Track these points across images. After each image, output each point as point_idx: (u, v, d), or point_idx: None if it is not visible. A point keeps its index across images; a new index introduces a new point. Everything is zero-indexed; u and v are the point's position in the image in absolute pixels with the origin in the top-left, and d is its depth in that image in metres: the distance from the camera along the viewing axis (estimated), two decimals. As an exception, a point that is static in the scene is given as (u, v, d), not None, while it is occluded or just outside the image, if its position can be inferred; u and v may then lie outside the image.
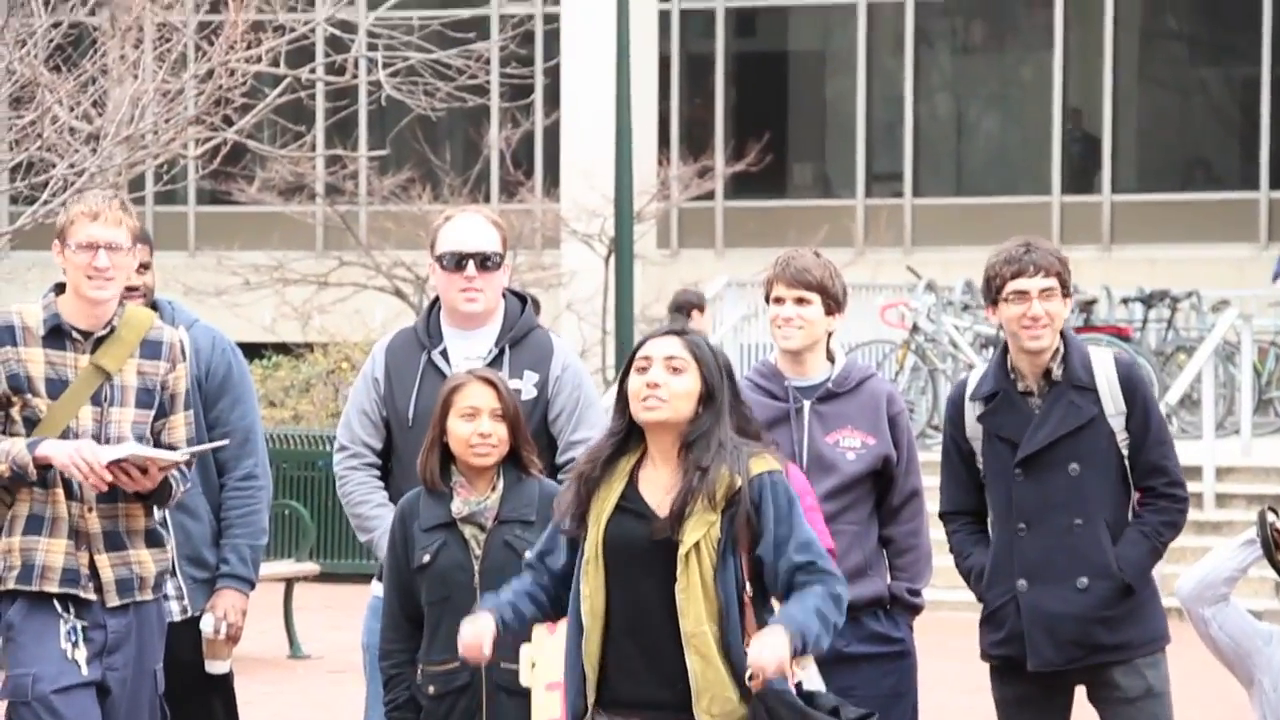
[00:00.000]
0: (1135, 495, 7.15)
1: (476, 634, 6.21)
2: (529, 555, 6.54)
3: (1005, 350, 7.55)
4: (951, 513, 7.76)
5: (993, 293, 7.44)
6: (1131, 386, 7.61)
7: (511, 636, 6.44)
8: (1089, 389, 7.48)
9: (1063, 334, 7.53)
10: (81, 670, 7.24)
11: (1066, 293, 7.49)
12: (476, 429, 6.95)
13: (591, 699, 6.09)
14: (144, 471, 7.24)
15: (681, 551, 5.96)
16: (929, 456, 16.19)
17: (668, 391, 6.06)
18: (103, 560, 7.41)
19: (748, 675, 5.87)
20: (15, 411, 7.41)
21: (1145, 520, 7.44)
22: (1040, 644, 7.33)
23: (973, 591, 7.64)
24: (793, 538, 6.02)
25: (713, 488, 5.97)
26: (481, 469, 7.01)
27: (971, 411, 7.56)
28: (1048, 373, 7.43)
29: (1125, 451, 7.41)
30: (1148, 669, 7.57)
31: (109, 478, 7.16)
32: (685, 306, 18.14)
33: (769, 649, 5.75)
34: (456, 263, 7.69)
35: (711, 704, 5.93)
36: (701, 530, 5.99)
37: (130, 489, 7.30)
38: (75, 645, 7.31)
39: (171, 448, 7.40)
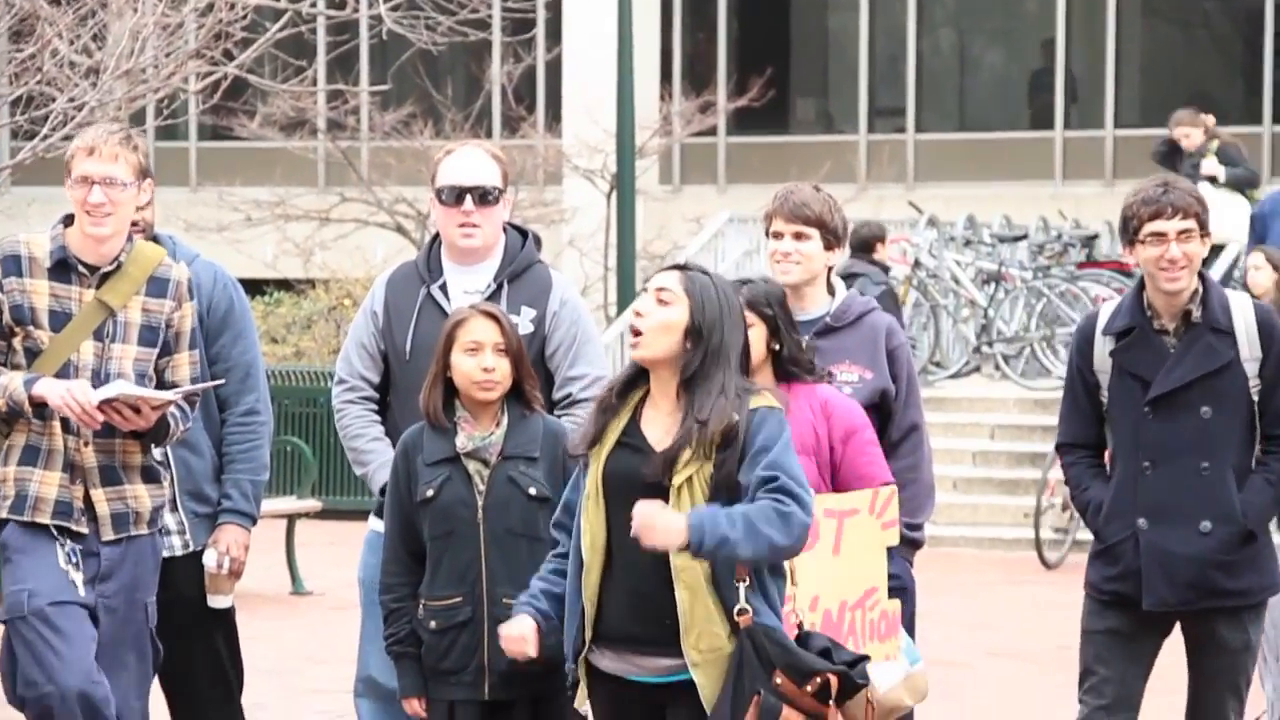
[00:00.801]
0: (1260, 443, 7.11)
1: (520, 633, 6.28)
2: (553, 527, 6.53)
3: (1141, 286, 7.54)
4: (1070, 444, 7.76)
5: (1130, 233, 7.43)
6: (1268, 332, 7.60)
7: (555, 625, 6.43)
8: (1227, 332, 7.47)
9: (1201, 275, 7.52)
10: (79, 590, 7.26)
11: (1205, 233, 7.46)
12: (480, 364, 6.91)
13: (589, 635, 6.09)
14: (136, 411, 7.21)
15: (675, 484, 5.94)
16: (931, 393, 16.17)
17: (645, 323, 6.10)
18: (98, 494, 7.43)
19: (724, 598, 5.95)
20: (17, 342, 7.40)
21: (1271, 468, 7.41)
22: (1157, 583, 7.29)
23: (1088, 526, 7.67)
24: (767, 456, 6.01)
25: (709, 437, 5.98)
26: (485, 404, 6.97)
27: (1103, 345, 7.53)
28: (1186, 314, 7.41)
29: (1255, 397, 7.41)
30: (1250, 622, 7.58)
31: (101, 418, 7.15)
32: (869, 241, 17.74)
33: (656, 522, 5.80)
34: (456, 197, 7.64)
35: (699, 639, 5.94)
36: (694, 467, 5.99)
37: (124, 428, 7.30)
38: (75, 566, 7.35)
39: (175, 386, 7.39)
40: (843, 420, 7.18)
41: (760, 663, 6.04)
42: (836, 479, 7.08)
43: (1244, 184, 19.96)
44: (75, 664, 7.34)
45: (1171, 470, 7.27)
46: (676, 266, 6.43)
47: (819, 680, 6.00)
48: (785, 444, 6.15)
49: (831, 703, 6.00)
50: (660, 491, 6.03)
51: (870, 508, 6.87)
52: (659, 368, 6.19)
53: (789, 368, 6.99)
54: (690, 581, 5.94)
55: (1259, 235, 16.10)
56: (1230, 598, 7.40)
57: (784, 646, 6.10)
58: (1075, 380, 7.68)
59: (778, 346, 6.89)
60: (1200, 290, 7.28)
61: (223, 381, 8.17)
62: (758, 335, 6.69)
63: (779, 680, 6.01)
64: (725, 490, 6.10)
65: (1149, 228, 7.08)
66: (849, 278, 13.58)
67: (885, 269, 18.44)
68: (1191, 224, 7.10)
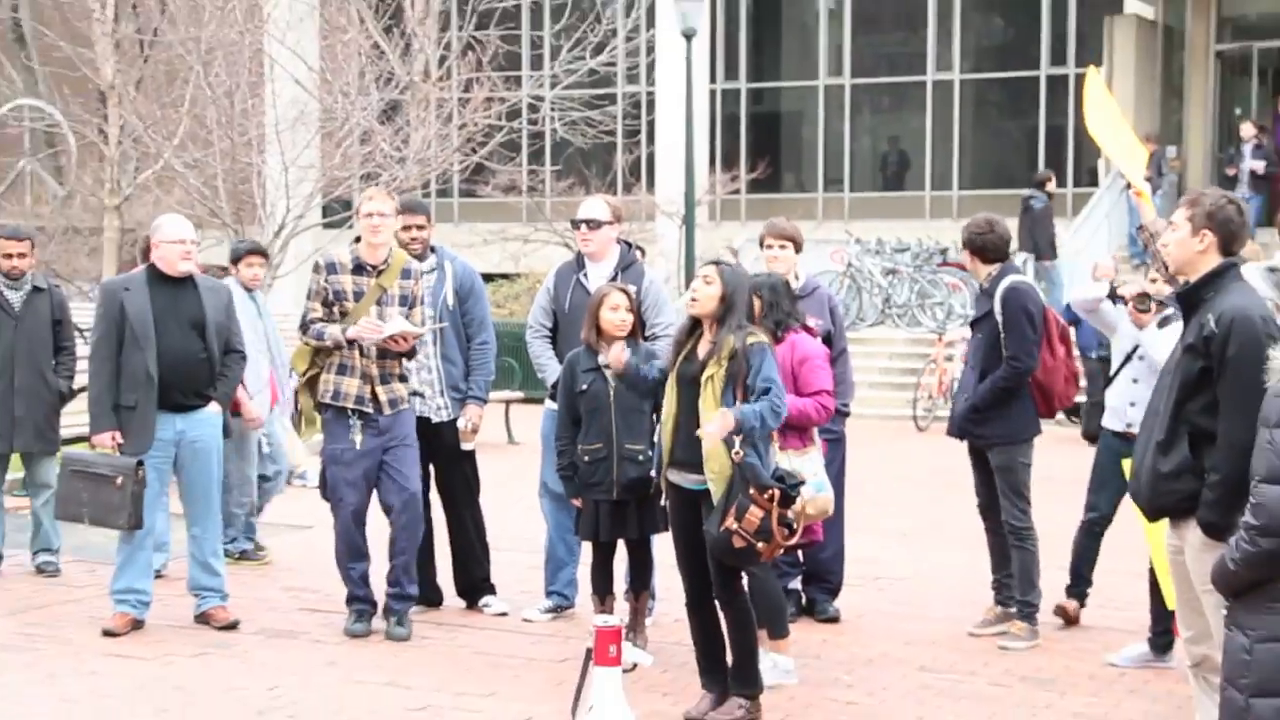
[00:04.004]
0: None
1: (618, 356, 7.71)
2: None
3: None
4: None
5: (965, 246, 9.01)
6: (1004, 302, 8.90)
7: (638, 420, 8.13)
8: (991, 296, 8.99)
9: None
10: (357, 445, 8.90)
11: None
12: (618, 315, 8.24)
13: (666, 462, 7.40)
14: (404, 339, 8.78)
15: (703, 378, 7.16)
16: (855, 334, 20.18)
17: (700, 294, 7.23)
18: (380, 390, 8.91)
19: (729, 445, 7.05)
20: (335, 310, 8.90)
21: (995, 375, 8.94)
22: (951, 428, 9.34)
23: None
24: (761, 374, 7.06)
25: (724, 349, 7.06)
26: (617, 338, 8.17)
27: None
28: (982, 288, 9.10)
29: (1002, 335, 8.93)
30: (1001, 453, 9.04)
31: (381, 342, 8.77)
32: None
33: (715, 420, 6.99)
34: (577, 224, 9.39)
35: (713, 463, 7.14)
36: (716, 369, 7.10)
37: (394, 350, 8.82)
38: (358, 433, 8.95)
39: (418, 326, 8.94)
40: (800, 351, 8.34)
41: (743, 480, 7.10)
42: (797, 383, 8.20)
43: None
44: (354, 483, 8.97)
45: (967, 372, 9.39)
46: (714, 262, 7.43)
47: (770, 492, 7.13)
48: (772, 365, 7.14)
49: (775, 505, 7.12)
50: (698, 382, 7.22)
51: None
52: (706, 318, 7.26)
53: (781, 323, 8.20)
54: (716, 440, 7.04)
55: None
56: (979, 439, 9.13)
57: (755, 472, 7.10)
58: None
59: (770, 311, 8.06)
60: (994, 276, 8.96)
61: (445, 324, 9.41)
62: (757, 305, 7.63)
63: (751, 491, 7.07)
64: (730, 382, 7.14)
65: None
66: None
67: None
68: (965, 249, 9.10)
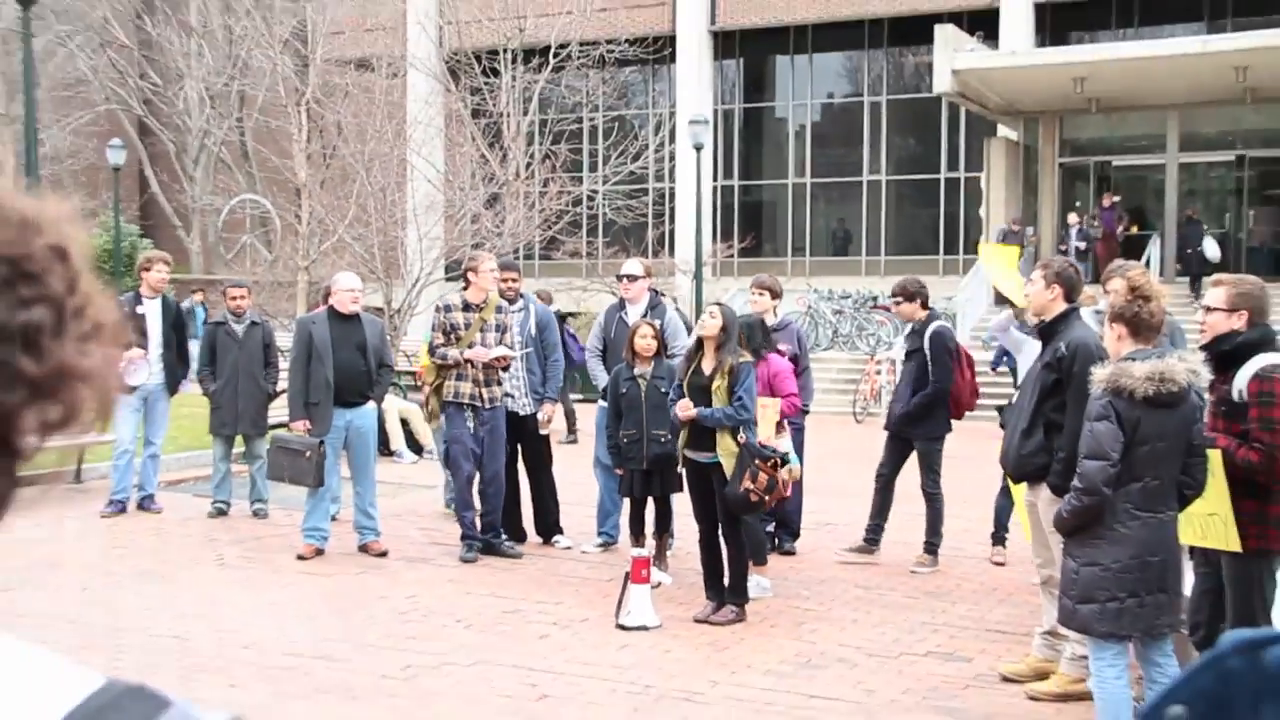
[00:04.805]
0: None
1: (684, 412, 7.33)
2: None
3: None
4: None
5: (893, 296, 8.80)
6: (931, 339, 8.75)
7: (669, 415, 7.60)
8: (920, 334, 8.81)
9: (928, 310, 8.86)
10: (470, 430, 8.89)
11: (920, 301, 8.69)
12: (647, 341, 8.32)
13: (683, 442, 7.42)
14: (501, 359, 8.86)
15: (713, 388, 7.22)
16: (814, 355, 18.99)
17: (707, 324, 7.30)
18: (483, 391, 8.95)
19: (734, 434, 7.05)
20: (452, 337, 8.93)
21: (925, 390, 8.75)
22: (889, 422, 8.98)
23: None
24: (742, 385, 7.14)
25: (724, 367, 7.13)
26: (647, 357, 8.33)
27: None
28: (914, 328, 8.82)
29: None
30: (925, 445, 8.89)
31: (488, 362, 8.83)
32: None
33: (682, 406, 7.15)
34: (620, 277, 9.49)
35: (722, 447, 7.17)
36: (720, 382, 7.16)
37: (497, 366, 8.93)
38: (470, 421, 8.95)
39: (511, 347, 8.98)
40: (773, 368, 8.20)
41: (750, 455, 7.13)
42: (772, 389, 8.08)
43: None
44: (468, 456, 8.94)
45: (901, 387, 9.02)
46: (717, 303, 7.55)
47: (773, 460, 7.18)
48: (751, 380, 7.17)
49: (776, 470, 7.17)
50: (708, 391, 7.21)
51: (771, 404, 7.81)
52: (709, 341, 7.28)
53: (757, 349, 7.90)
54: (721, 430, 7.18)
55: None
56: (910, 434, 8.93)
57: (754, 450, 7.17)
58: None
59: (748, 341, 7.70)
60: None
61: (530, 349, 9.34)
62: (741, 337, 7.48)
63: (756, 462, 7.13)
64: (731, 391, 7.13)
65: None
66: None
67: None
68: (899, 298, 8.77)
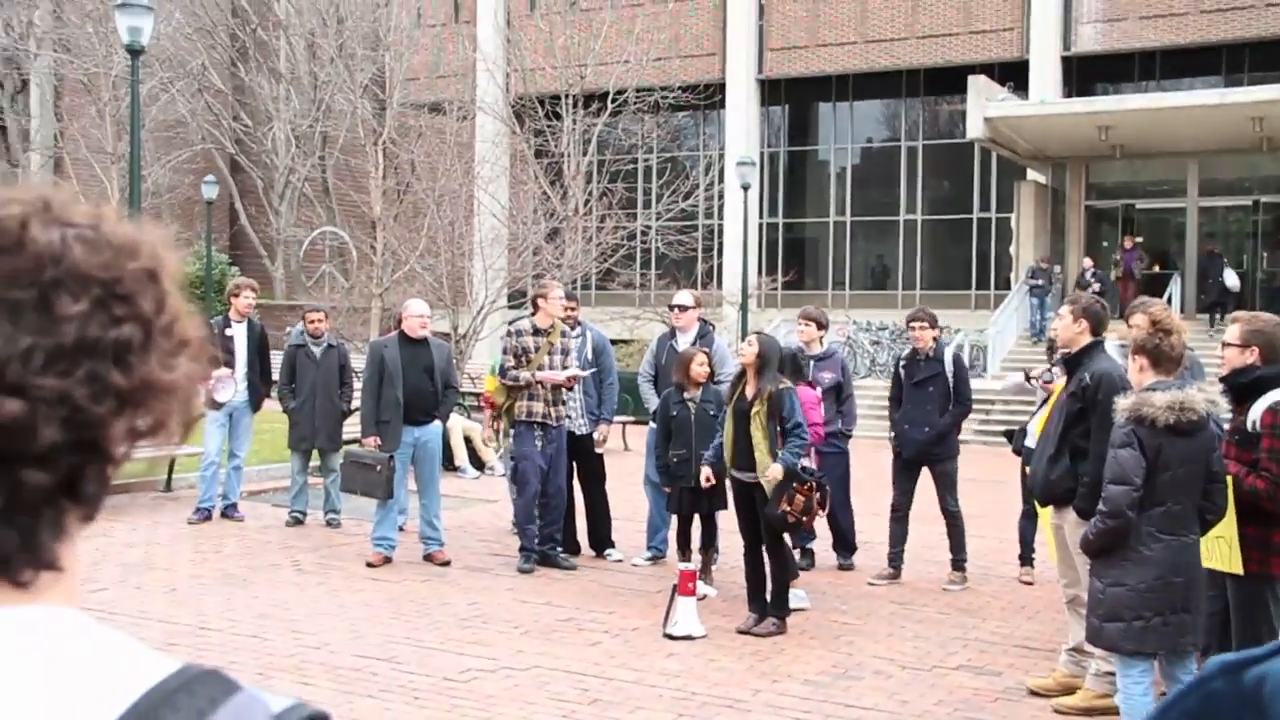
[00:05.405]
0: None
1: (706, 474, 7.58)
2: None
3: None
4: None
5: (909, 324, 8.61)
6: (955, 366, 8.63)
7: (716, 460, 7.48)
8: (939, 360, 8.61)
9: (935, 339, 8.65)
10: (538, 447, 8.79)
11: (934, 326, 8.51)
12: (699, 368, 8.33)
13: (730, 465, 7.41)
14: (572, 380, 8.87)
15: (753, 413, 7.15)
16: (857, 383, 19.68)
17: (746, 352, 7.27)
18: (551, 410, 8.88)
19: (771, 470, 6.99)
20: (523, 360, 8.84)
21: (950, 411, 8.54)
22: (905, 447, 8.65)
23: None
24: (793, 414, 7.08)
25: (764, 394, 7.05)
26: (698, 383, 8.35)
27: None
28: (925, 353, 8.65)
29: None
30: (940, 465, 8.61)
31: (557, 384, 8.80)
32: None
33: (773, 470, 7.03)
34: (671, 306, 9.40)
35: (764, 468, 7.12)
36: (760, 407, 7.09)
37: (563, 386, 8.89)
38: (539, 439, 8.84)
39: (566, 368, 8.88)
40: (803, 398, 7.82)
41: (787, 479, 7.08)
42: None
43: None
44: (535, 472, 8.83)
45: (927, 411, 8.63)
46: (757, 333, 7.61)
47: (809, 484, 7.14)
48: (796, 405, 7.09)
49: (813, 493, 7.12)
50: (748, 415, 7.15)
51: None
52: (749, 369, 7.23)
53: (794, 379, 7.79)
54: (761, 450, 7.11)
55: None
56: (934, 456, 8.66)
57: (793, 470, 7.11)
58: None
59: (789, 372, 7.64)
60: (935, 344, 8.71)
61: (594, 369, 9.28)
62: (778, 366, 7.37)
63: (795, 485, 7.07)
64: (770, 416, 7.03)
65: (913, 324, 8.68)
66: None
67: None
68: (925, 323, 8.62)
